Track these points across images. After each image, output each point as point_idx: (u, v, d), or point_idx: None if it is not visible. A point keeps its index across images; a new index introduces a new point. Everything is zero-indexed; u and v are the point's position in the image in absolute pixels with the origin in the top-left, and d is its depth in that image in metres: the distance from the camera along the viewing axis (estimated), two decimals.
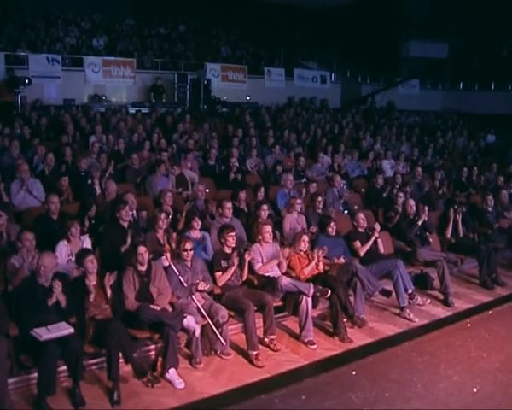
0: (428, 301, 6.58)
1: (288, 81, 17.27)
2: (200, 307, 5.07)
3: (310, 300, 5.45)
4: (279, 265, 5.89)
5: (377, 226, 6.78)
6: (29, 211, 6.63)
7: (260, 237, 5.95)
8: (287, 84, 17.16)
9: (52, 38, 15.31)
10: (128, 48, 16.00)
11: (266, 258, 5.89)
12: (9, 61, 13.09)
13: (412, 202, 7.46)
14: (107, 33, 16.46)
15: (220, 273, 5.55)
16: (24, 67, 13.04)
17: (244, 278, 5.69)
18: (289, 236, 6.76)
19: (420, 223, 7.18)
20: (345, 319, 5.72)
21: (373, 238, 6.64)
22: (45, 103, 12.49)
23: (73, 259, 5.37)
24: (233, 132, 11.24)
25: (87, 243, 5.62)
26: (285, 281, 5.51)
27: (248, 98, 15.95)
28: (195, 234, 6.05)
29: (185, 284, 5.18)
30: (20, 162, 7.26)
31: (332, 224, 6.58)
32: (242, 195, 7.34)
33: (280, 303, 5.61)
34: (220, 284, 5.53)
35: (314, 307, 5.64)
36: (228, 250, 5.69)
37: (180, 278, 5.18)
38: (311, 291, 5.43)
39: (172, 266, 5.22)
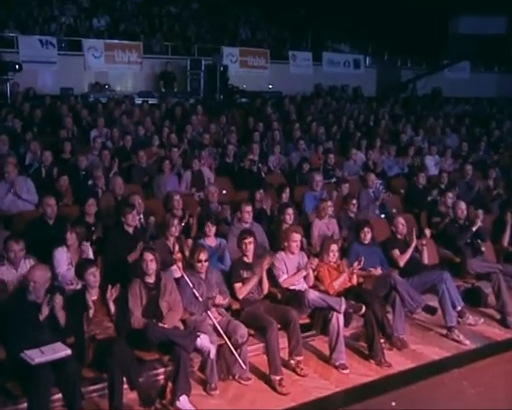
0: (482, 320, 6.50)
1: (316, 66, 17.27)
2: (217, 325, 5.10)
3: (341, 317, 5.44)
4: (306, 277, 5.90)
5: (427, 232, 6.76)
6: (20, 215, 6.74)
7: (286, 245, 5.97)
8: (314, 70, 17.17)
9: (46, 17, 15.42)
10: (134, 29, 16.14)
11: (291, 269, 5.91)
12: None
13: (463, 205, 7.39)
14: (109, 12, 16.59)
15: (240, 285, 5.59)
16: (13, 51, 13.18)
17: (265, 292, 5.71)
18: (318, 244, 6.77)
19: (474, 229, 7.10)
20: (382, 340, 5.70)
21: (413, 245, 6.59)
22: (39, 93, 12.64)
23: (73, 269, 5.48)
24: (253, 126, 11.31)
25: (88, 251, 5.70)
26: (313, 295, 5.51)
27: (271, 87, 16.02)
28: (211, 242, 6.11)
29: (200, 299, 5.22)
30: (7, 160, 7.36)
31: (367, 230, 6.56)
32: (258, 195, 7.35)
33: (307, 320, 5.61)
34: (240, 298, 5.56)
35: (346, 325, 5.63)
36: (248, 259, 5.72)
37: (194, 291, 5.22)
38: (343, 307, 5.42)
39: (185, 277, 5.27)
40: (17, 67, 11.94)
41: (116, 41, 14.96)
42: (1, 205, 6.91)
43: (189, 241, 6.08)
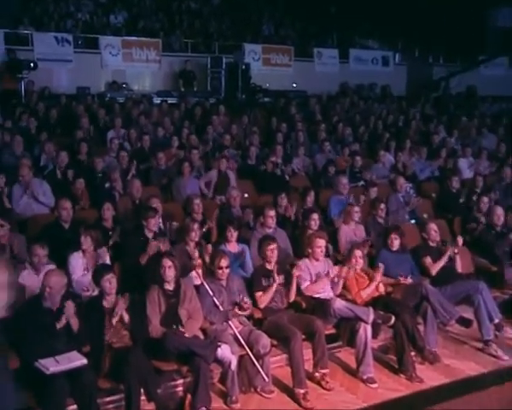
0: None
1: (343, 64, 17.26)
2: (238, 335, 5.11)
3: (369, 328, 5.41)
4: (332, 285, 5.89)
5: (460, 240, 6.69)
6: (35, 219, 6.86)
7: (310, 251, 5.96)
8: (341, 68, 17.15)
9: (61, 13, 15.64)
10: (152, 26, 16.29)
11: (316, 277, 5.90)
12: (10, 41, 13.42)
13: (500, 211, 7.31)
14: (127, 8, 16.76)
15: (260, 294, 5.60)
16: (28, 48, 13.40)
17: (290, 300, 5.71)
18: (345, 250, 6.75)
19: None
20: (413, 353, 5.65)
21: (447, 253, 6.54)
22: (54, 92, 12.83)
23: (89, 275, 5.54)
24: (276, 126, 11.32)
25: (105, 256, 5.77)
26: (339, 304, 5.49)
27: (295, 86, 16.03)
28: (232, 247, 6.13)
29: (220, 307, 5.24)
30: (21, 161, 7.50)
31: (396, 236, 6.53)
32: (283, 200, 7.36)
33: (333, 331, 5.60)
34: (261, 307, 5.57)
35: (374, 336, 5.60)
36: (270, 266, 5.73)
37: (214, 299, 5.24)
38: (371, 317, 5.40)
39: (205, 284, 5.29)
40: (32, 65, 12.08)
41: (134, 38, 15.14)
42: (16, 208, 7.02)
43: (210, 246, 6.11)
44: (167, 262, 5.14)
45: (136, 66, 14.92)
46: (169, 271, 5.12)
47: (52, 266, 5.36)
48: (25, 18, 14.58)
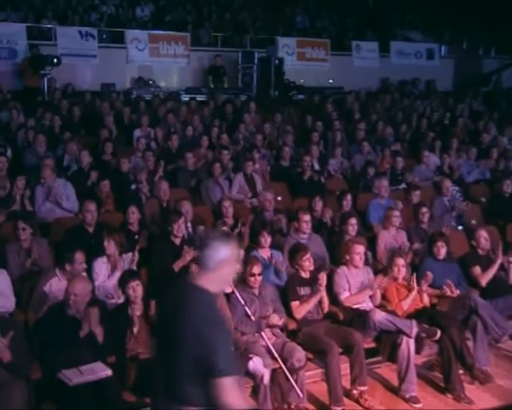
0: None
1: (384, 58, 17.13)
2: (271, 347, 5.11)
3: (412, 342, 5.37)
4: (372, 295, 5.86)
5: None
6: (59, 222, 6.99)
7: (348, 259, 5.95)
8: (381, 63, 17.03)
9: (85, 6, 15.87)
10: (180, 19, 16.44)
11: (355, 286, 5.90)
12: (32, 36, 13.65)
13: None
14: (154, 1, 16.95)
15: (297, 304, 5.60)
16: (51, 43, 13.59)
17: (326, 311, 5.71)
18: (385, 258, 6.72)
19: None
20: (461, 371, 5.58)
21: (498, 262, 6.44)
22: (78, 89, 13.00)
23: (113, 281, 5.63)
24: (312, 125, 11.31)
25: (131, 262, 5.85)
26: (379, 316, 5.47)
27: (331, 82, 15.98)
28: (265, 254, 6.16)
29: (252, 317, 5.26)
30: (44, 162, 7.64)
31: (441, 243, 6.48)
32: (317, 203, 7.35)
33: (372, 345, 5.58)
34: (298, 317, 5.57)
35: (418, 352, 5.55)
36: (305, 275, 5.73)
37: (246, 308, 5.26)
38: (414, 331, 5.35)
39: (236, 292, 5.32)
40: (55, 60, 12.19)
41: (161, 32, 15.24)
42: (38, 212, 7.16)
43: (241, 252, 6.13)
44: (196, 269, 5.17)
45: (164, 61, 15.02)
46: None
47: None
48: (47, 11, 14.84)
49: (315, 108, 13.22)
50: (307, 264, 5.71)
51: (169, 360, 2.99)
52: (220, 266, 2.98)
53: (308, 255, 5.73)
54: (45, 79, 12.21)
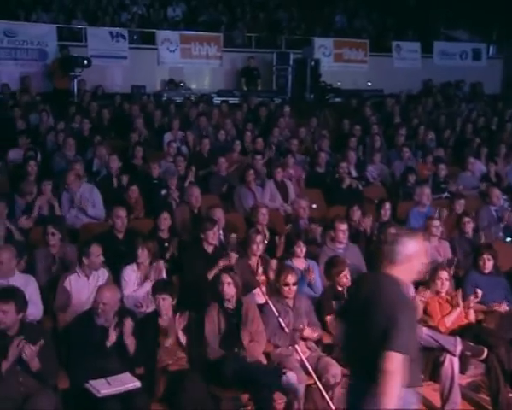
0: None
1: (426, 59, 17.02)
2: (305, 361, 5.10)
3: (456, 361, 5.30)
4: None
5: None
6: (87, 227, 7.11)
7: None
8: (423, 64, 16.92)
9: (116, 6, 16.15)
10: (213, 19, 16.55)
11: None
12: (63, 37, 13.91)
13: None
14: (185, 0, 17.12)
15: (332, 318, 5.55)
16: (81, 44, 13.87)
17: None
18: (426, 270, 6.61)
19: None
20: (510, 394, 5.46)
21: None
22: (108, 91, 13.26)
23: (143, 290, 5.69)
24: (349, 130, 11.27)
25: (161, 270, 5.90)
26: (421, 332, 5.38)
27: (370, 84, 15.93)
28: (300, 264, 6.14)
29: (286, 329, 5.26)
30: (70, 167, 7.76)
31: (488, 256, 6.37)
32: (355, 212, 7.32)
33: None
34: (333, 332, 5.49)
35: (463, 371, 5.48)
36: (342, 288, 5.70)
37: (279, 320, 5.26)
38: (459, 349, 5.29)
39: (270, 303, 5.32)
40: (86, 62, 12.42)
41: (193, 32, 15.37)
42: (65, 218, 7.26)
43: (274, 261, 6.14)
44: (226, 278, 5.21)
45: (195, 62, 15.16)
46: (228, 288, 5.19)
47: (104, 272, 5.65)
48: (78, 12, 15.10)
49: (352, 111, 13.18)
50: (344, 281, 5.69)
51: (361, 339, 3.44)
52: (409, 260, 3.44)
53: (346, 272, 5.71)
54: (75, 81, 12.43)
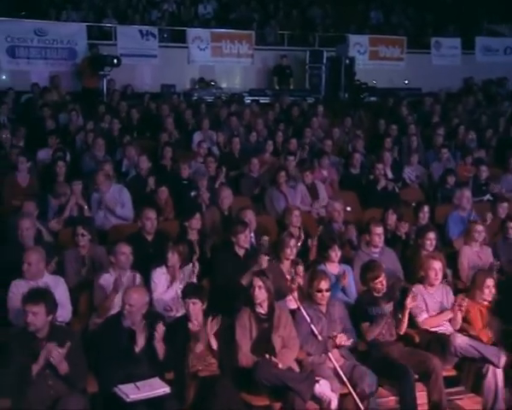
0: None
1: (467, 56, 16.87)
2: (339, 370, 5.09)
3: (501, 373, 5.25)
4: (452, 318, 5.74)
5: None
6: (116, 229, 7.19)
7: (424, 276, 5.86)
8: (464, 61, 16.77)
9: (146, 4, 16.27)
10: (245, 16, 16.62)
11: (432, 306, 5.80)
12: (92, 35, 14.13)
13: None
14: None
15: (368, 325, 5.53)
16: (111, 43, 14.05)
17: (401, 332, 5.62)
18: (467, 277, 6.59)
19: None
20: None
21: None
22: (137, 90, 13.41)
23: (172, 293, 5.73)
24: (385, 130, 11.21)
25: (191, 274, 5.93)
26: (461, 341, 5.36)
27: (407, 82, 15.85)
28: (334, 269, 6.13)
29: (319, 336, 5.25)
30: (99, 168, 7.85)
31: None
32: (391, 216, 7.28)
33: (453, 373, 5.48)
34: (368, 339, 5.51)
35: (508, 384, 5.38)
36: (378, 294, 5.67)
37: (312, 326, 5.25)
38: (503, 360, 5.24)
39: (302, 309, 5.32)
40: (115, 61, 12.59)
41: (224, 30, 15.49)
42: (94, 219, 7.35)
43: (301, 267, 6.12)
44: (258, 282, 5.21)
45: (226, 61, 15.26)
46: (259, 292, 5.18)
47: (137, 275, 5.72)
48: (108, 10, 15.31)
49: (388, 111, 13.12)
50: (379, 286, 5.63)
51: None
52: None
53: (381, 278, 5.65)
54: (104, 80, 12.60)
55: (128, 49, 14.04)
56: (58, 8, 14.74)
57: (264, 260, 5.90)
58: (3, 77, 13.43)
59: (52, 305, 4.60)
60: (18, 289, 5.24)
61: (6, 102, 11.18)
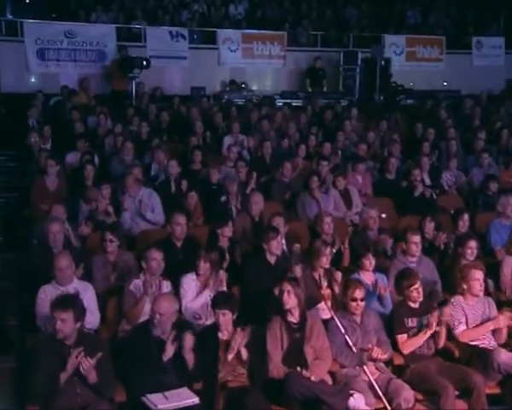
0: None
1: (510, 56, 16.66)
2: (374, 383, 5.06)
3: None
4: (495, 331, 5.67)
5: None
6: (145, 234, 7.24)
7: (465, 288, 5.78)
8: (507, 61, 16.61)
9: (176, 4, 16.42)
10: (276, 17, 16.66)
11: (472, 318, 5.73)
12: (122, 37, 14.32)
13: None
14: None
15: (404, 337, 5.50)
16: (140, 45, 14.25)
17: (440, 346, 5.56)
18: (509, 288, 6.54)
19: None
20: None
21: None
22: (167, 93, 13.50)
23: (201, 301, 5.76)
24: (422, 134, 11.13)
25: (222, 281, 5.95)
26: (506, 357, 5.30)
27: (446, 84, 15.72)
28: (368, 278, 6.09)
29: (353, 348, 5.22)
30: (129, 171, 7.92)
31: None
32: (429, 223, 7.22)
33: (497, 390, 5.39)
34: (405, 352, 5.46)
35: None
36: (414, 304, 5.62)
37: (346, 337, 5.23)
38: None
39: (336, 319, 5.30)
40: (145, 63, 12.71)
41: (255, 31, 15.58)
42: (123, 223, 7.42)
43: (339, 274, 6.11)
44: (287, 287, 5.20)
45: (258, 63, 15.34)
46: (288, 297, 5.18)
47: (168, 284, 5.76)
48: (138, 11, 15.48)
49: (426, 114, 13.02)
50: (415, 294, 5.58)
51: None
52: None
53: (417, 286, 5.60)
54: (133, 83, 12.72)
55: (157, 50, 14.23)
56: (87, 9, 14.98)
57: (298, 270, 5.90)
58: (33, 79, 13.74)
59: (81, 312, 4.67)
60: (46, 294, 5.32)
61: (35, 104, 11.40)
